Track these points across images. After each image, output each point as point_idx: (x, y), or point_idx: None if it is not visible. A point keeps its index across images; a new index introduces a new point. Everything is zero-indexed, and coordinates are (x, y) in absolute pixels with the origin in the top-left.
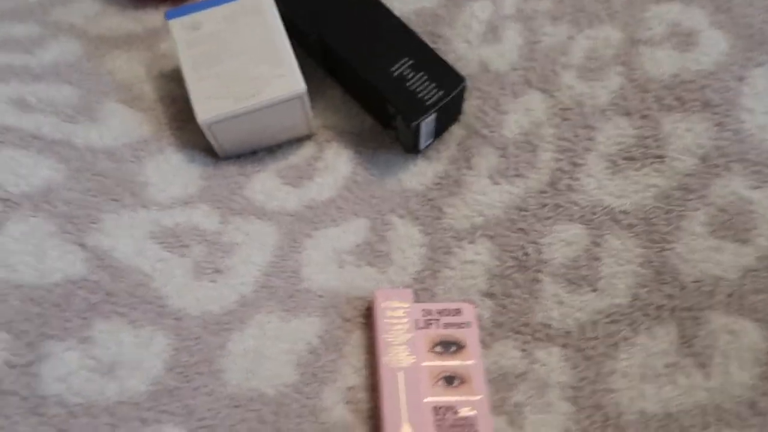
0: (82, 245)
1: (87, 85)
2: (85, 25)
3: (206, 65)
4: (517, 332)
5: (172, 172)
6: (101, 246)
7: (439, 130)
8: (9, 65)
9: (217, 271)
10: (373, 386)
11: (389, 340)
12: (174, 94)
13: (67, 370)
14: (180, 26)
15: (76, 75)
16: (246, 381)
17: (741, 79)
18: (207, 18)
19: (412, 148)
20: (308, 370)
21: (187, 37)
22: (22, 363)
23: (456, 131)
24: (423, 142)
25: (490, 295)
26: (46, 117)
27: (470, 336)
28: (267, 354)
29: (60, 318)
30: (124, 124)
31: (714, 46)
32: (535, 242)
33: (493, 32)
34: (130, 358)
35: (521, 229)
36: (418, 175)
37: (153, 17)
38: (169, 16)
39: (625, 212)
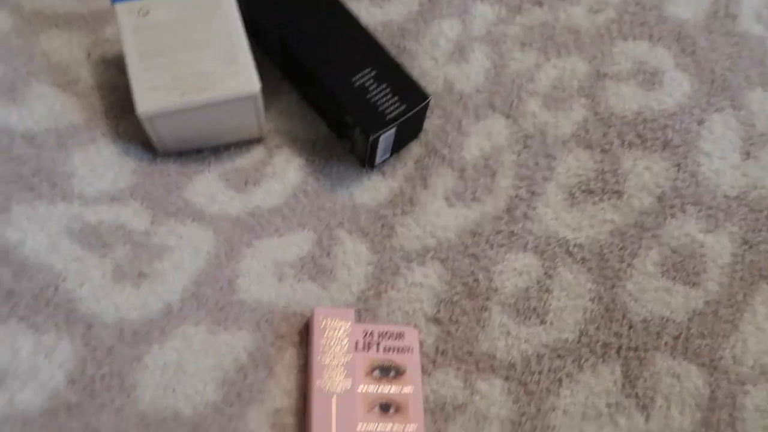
0: None
1: (14, 63)
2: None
3: (153, 54)
4: (461, 361)
5: (103, 164)
6: (7, 238)
7: (397, 146)
8: None
9: (142, 275)
10: (303, 410)
11: (325, 361)
12: (115, 82)
13: None
14: (127, 11)
15: (3, 52)
16: (161, 398)
17: (701, 122)
18: (157, 4)
19: (367, 161)
20: (233, 389)
21: (133, 23)
22: None
23: (414, 148)
24: (379, 157)
25: (435, 320)
26: None
27: (411, 362)
28: (189, 369)
29: None
30: (52, 109)
31: (677, 87)
32: (486, 269)
33: (460, 52)
34: (25, 367)
35: (473, 255)
36: (371, 190)
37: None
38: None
39: (579, 246)
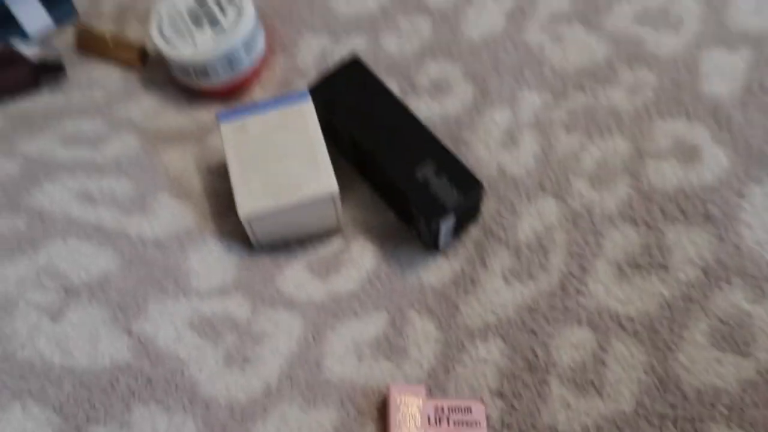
0: (129, 332)
1: (144, 178)
2: (143, 120)
3: (250, 165)
4: None
5: (213, 261)
6: (145, 333)
7: (458, 230)
8: (76, 159)
9: (246, 359)
10: None
11: None
12: (218, 187)
13: None
14: (230, 129)
15: (134, 169)
16: None
17: (741, 195)
18: (254, 122)
19: (432, 245)
20: None
21: (235, 139)
22: None
23: (473, 231)
24: (442, 241)
25: (499, 394)
26: (106, 209)
27: None
28: None
29: (105, 403)
30: (173, 216)
31: (716, 162)
32: (544, 343)
33: (511, 138)
34: None
35: (531, 330)
36: (436, 271)
37: (204, 114)
38: (221, 118)
39: (630, 319)
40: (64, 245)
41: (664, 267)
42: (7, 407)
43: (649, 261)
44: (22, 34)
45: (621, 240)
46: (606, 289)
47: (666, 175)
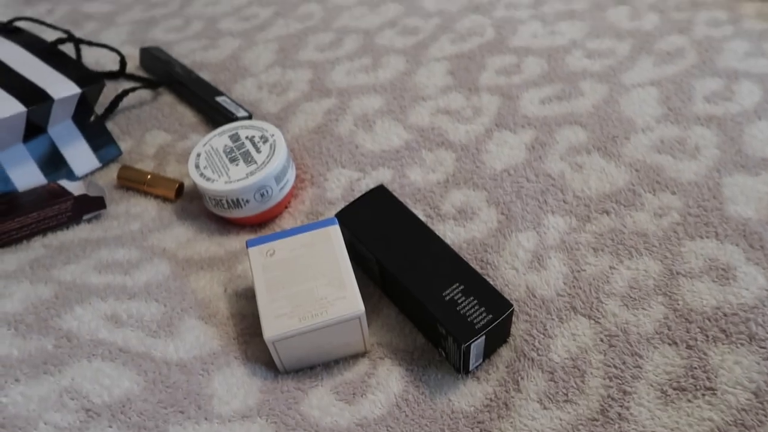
0: None
1: (172, 302)
2: (176, 249)
3: (276, 286)
4: None
5: (236, 384)
6: None
7: (488, 352)
8: (108, 285)
9: None
10: None
11: None
12: (244, 311)
13: None
14: (258, 253)
15: (163, 293)
16: None
17: None
18: (282, 246)
19: (461, 368)
20: None
21: (262, 262)
22: None
23: (505, 353)
24: (472, 363)
25: None
26: (133, 332)
27: None
28: None
29: None
30: (198, 339)
31: (752, 281)
32: None
33: (538, 260)
34: None
35: None
36: (467, 395)
37: (235, 242)
38: (249, 244)
39: None
40: (89, 366)
41: (712, 390)
42: None
43: (694, 383)
44: (70, 174)
45: (661, 361)
46: (651, 414)
47: (702, 294)
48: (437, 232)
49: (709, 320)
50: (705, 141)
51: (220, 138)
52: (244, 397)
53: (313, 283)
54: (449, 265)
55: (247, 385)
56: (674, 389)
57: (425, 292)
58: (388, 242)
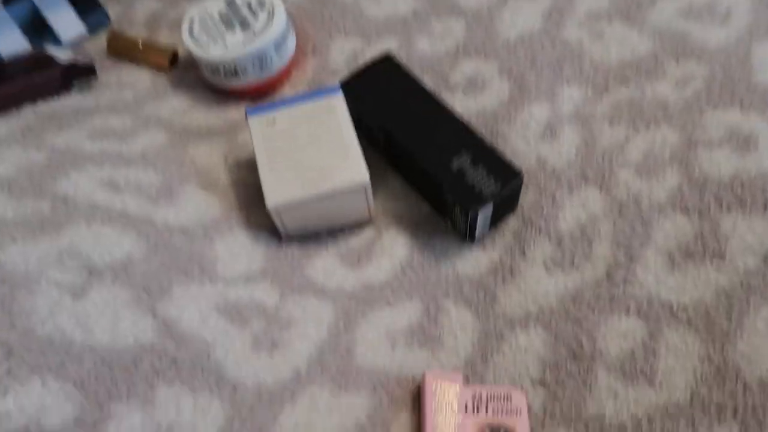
0: (153, 313)
1: (170, 170)
2: (173, 118)
3: (278, 156)
4: (569, 423)
5: (239, 249)
6: (170, 315)
7: (495, 221)
8: (104, 151)
9: (274, 345)
10: None
11: (437, 422)
12: (246, 180)
13: (130, 431)
14: (258, 122)
15: (161, 161)
16: None
17: None
18: (283, 115)
19: (468, 236)
20: None
21: (263, 131)
22: (89, 421)
23: (512, 222)
24: (479, 231)
25: (542, 383)
26: (132, 197)
27: (520, 424)
28: (316, 428)
29: (128, 381)
30: (199, 206)
31: None
32: (589, 333)
33: (551, 131)
34: (187, 423)
35: (576, 320)
36: (472, 261)
37: (234, 112)
38: (249, 113)
39: (684, 307)
40: (87, 229)
41: (720, 256)
42: (26, 381)
43: (703, 250)
44: (56, 41)
45: (672, 229)
46: (656, 278)
47: (720, 163)
48: (445, 102)
49: (725, 188)
50: (738, 6)
51: (214, 3)
52: (248, 261)
53: (316, 152)
54: (457, 134)
55: (251, 250)
56: (682, 255)
57: (432, 161)
58: (395, 111)
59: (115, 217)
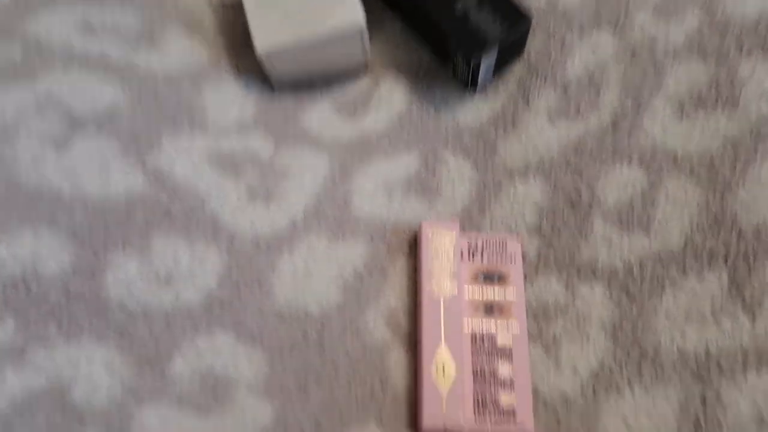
0: (143, 164)
1: (150, 11)
2: None
3: None
4: (563, 268)
5: (230, 98)
6: (161, 166)
7: (500, 68)
8: None
9: (270, 195)
10: (414, 310)
11: (433, 268)
12: (233, 22)
13: (127, 278)
14: None
15: (138, 1)
16: (293, 299)
17: None
18: None
19: (470, 84)
20: (352, 291)
21: None
22: (86, 270)
23: (517, 69)
24: (481, 79)
25: (537, 231)
26: (110, 42)
27: (514, 270)
28: (314, 275)
29: (122, 231)
30: (184, 51)
31: None
32: (589, 183)
33: None
34: (185, 271)
35: (576, 170)
36: (474, 111)
37: None
38: None
39: (688, 157)
40: (65, 76)
41: (734, 103)
42: (16, 233)
43: (716, 97)
44: None
45: (685, 75)
46: (663, 127)
47: (746, 3)
48: None
49: (748, 31)
50: None
51: None
52: (239, 110)
53: None
54: None
55: (242, 98)
56: (694, 103)
57: (434, 2)
58: None
59: (93, 64)
